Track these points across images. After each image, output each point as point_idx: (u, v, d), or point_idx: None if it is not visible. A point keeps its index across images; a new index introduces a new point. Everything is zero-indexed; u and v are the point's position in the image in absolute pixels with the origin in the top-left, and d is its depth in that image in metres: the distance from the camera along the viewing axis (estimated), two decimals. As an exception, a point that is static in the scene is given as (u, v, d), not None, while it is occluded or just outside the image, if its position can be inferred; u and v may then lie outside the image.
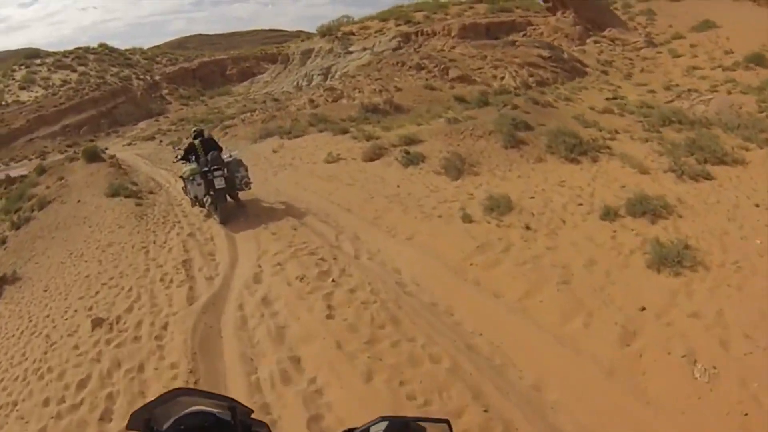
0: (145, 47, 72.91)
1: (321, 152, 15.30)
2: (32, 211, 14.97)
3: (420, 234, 8.51)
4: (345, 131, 17.72)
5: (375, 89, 28.60)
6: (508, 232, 8.05)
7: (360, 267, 7.45)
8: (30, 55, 59.30)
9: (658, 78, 28.16)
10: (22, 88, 52.04)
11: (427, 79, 31.17)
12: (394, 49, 41.47)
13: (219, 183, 10.09)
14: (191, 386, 4.02)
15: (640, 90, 25.40)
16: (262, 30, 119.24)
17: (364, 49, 44.65)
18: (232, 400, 1.35)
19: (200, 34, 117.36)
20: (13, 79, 54.23)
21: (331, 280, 7.00)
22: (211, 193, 10.28)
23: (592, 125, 15.03)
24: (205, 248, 9.26)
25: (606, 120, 16.35)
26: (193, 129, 11.80)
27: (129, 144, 34.78)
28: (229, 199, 10.63)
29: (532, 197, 9.43)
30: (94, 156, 19.38)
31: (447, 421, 1.41)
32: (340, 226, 9.28)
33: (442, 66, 33.11)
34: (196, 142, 10.76)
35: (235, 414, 1.33)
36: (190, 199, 11.10)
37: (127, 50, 67.81)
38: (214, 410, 1.34)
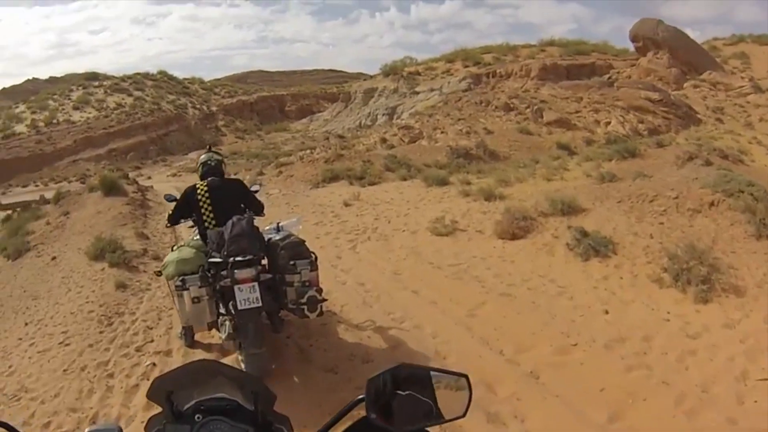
0: (206, 79, 72.06)
1: (418, 212, 10.26)
2: (7, 258, 10.91)
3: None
4: (444, 182, 12.77)
5: (461, 130, 23.95)
6: None
7: None
8: (90, 77, 58.66)
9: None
10: (75, 109, 51.27)
11: (518, 122, 26.60)
12: (464, 90, 39.10)
13: (246, 296, 4.23)
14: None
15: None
16: (322, 70, 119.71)
17: (432, 89, 42.79)
18: (257, 379, 1.34)
19: (261, 70, 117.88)
20: (69, 99, 53.37)
21: None
22: (229, 314, 4.53)
23: None
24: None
25: None
26: (202, 155, 5.63)
27: (174, 174, 31.76)
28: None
29: None
30: (113, 187, 15.09)
31: (466, 376, 1.31)
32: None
33: (535, 107, 28.31)
34: (201, 185, 5.18)
35: (258, 401, 1.29)
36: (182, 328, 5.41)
37: (185, 79, 67.57)
38: (237, 398, 1.31)
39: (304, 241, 4.92)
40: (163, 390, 1.28)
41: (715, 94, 33.71)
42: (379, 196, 12.63)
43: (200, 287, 4.53)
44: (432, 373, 1.29)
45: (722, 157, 11.71)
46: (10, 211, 20.39)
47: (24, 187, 36.42)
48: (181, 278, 4.59)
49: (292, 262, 4.59)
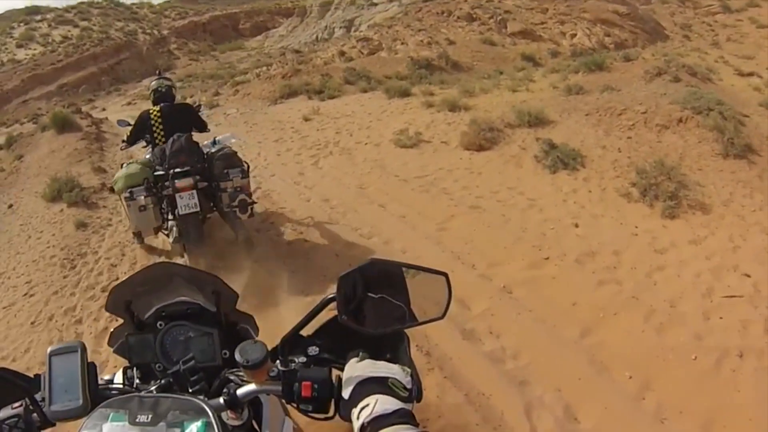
0: (155, 2, 67.91)
1: (381, 125, 9.88)
2: None
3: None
4: (406, 93, 12.32)
5: (421, 41, 23.12)
6: None
7: None
8: (31, 11, 54.32)
9: (750, 49, 22.72)
10: (19, 47, 47.20)
11: (481, 33, 25.80)
12: (424, 1, 37.01)
13: (185, 203, 4.75)
14: None
15: (749, 63, 19.65)
16: None
17: (390, 1, 41.05)
18: (216, 278, 1.29)
19: None
20: (11, 36, 49.24)
21: None
22: (173, 219, 5.08)
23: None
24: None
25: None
26: (153, 81, 6.00)
27: (129, 104, 30.52)
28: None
29: None
30: (65, 123, 14.16)
31: (445, 274, 1.22)
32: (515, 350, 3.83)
33: (498, 18, 27.47)
34: (154, 110, 5.60)
35: (220, 302, 1.28)
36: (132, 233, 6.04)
37: (133, 4, 63.51)
38: (199, 300, 1.29)
39: (236, 153, 5.34)
40: (121, 300, 1.26)
41: (683, 11, 33.46)
42: (340, 109, 12.13)
43: (146, 197, 4.83)
44: (407, 269, 1.19)
45: (691, 74, 11.42)
46: None
47: None
48: (129, 190, 4.87)
49: (225, 171, 5.02)
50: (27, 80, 40.61)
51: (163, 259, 5.84)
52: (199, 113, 6.04)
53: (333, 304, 1.14)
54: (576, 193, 6.22)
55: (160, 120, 5.49)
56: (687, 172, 6.29)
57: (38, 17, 53.04)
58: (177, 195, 4.72)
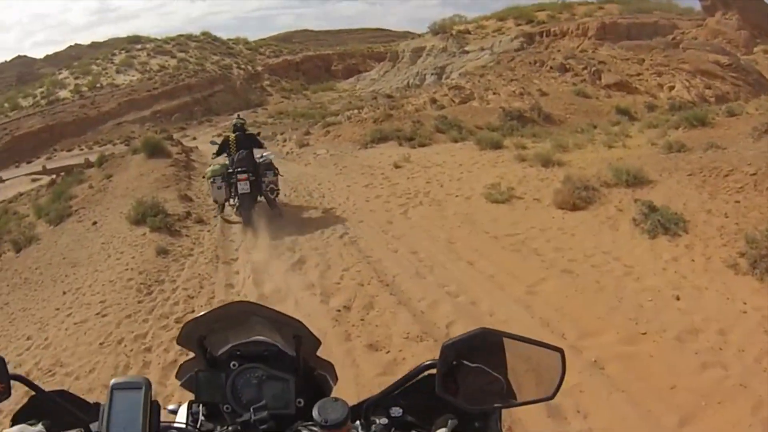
0: (251, 40, 71.80)
1: (472, 177, 9.87)
2: (49, 224, 10.77)
3: None
4: (498, 145, 12.26)
5: (514, 91, 23.07)
6: None
7: None
8: (132, 41, 58.83)
9: None
10: (118, 72, 51.42)
11: (575, 84, 25.45)
12: (516, 50, 37.84)
13: (242, 187, 8.61)
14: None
15: None
16: (368, 29, 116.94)
17: (482, 48, 41.61)
18: (299, 322, 1.22)
19: (306, 30, 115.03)
20: (112, 63, 53.67)
21: None
22: (236, 196, 8.90)
23: None
24: None
25: None
26: (234, 121, 9.94)
27: (219, 134, 31.53)
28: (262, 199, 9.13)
29: None
30: (156, 149, 15.02)
31: (561, 351, 1.08)
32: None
33: (593, 69, 27.03)
34: (232, 136, 9.39)
35: (300, 346, 1.22)
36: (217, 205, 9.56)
37: (230, 39, 66.89)
38: (277, 342, 1.25)
39: (272, 162, 9.20)
40: (195, 334, 1.22)
41: None
42: (431, 158, 12.25)
43: (222, 181, 8.86)
44: (516, 341, 1.09)
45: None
46: (54, 176, 20.39)
47: (69, 151, 36.67)
48: (213, 178, 8.94)
49: (264, 171, 8.91)
50: (123, 104, 43.69)
51: (233, 222, 9.04)
52: (258, 137, 9.79)
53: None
54: (677, 262, 5.88)
55: (235, 142, 9.18)
56: (803, 243, 5.82)
57: (139, 46, 57.08)
58: (238, 182, 8.59)
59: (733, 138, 11.02)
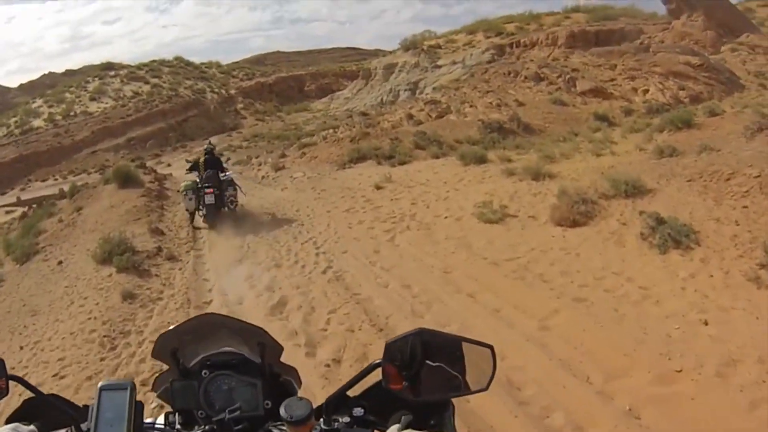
0: (223, 63, 71.42)
1: (459, 195, 9.33)
2: (15, 262, 9.97)
3: None
4: (482, 159, 11.79)
5: (491, 103, 22.74)
6: None
7: None
8: (105, 67, 57.68)
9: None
10: (92, 100, 50.38)
11: (550, 93, 25.27)
12: (489, 62, 37.83)
13: (208, 199, 10.40)
14: None
15: None
16: (340, 48, 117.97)
17: (454, 62, 41.73)
18: (262, 330, 1.33)
19: (278, 51, 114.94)
20: (86, 90, 52.58)
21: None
22: (203, 206, 10.56)
23: None
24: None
25: None
26: (206, 146, 11.93)
27: (192, 168, 30.81)
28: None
29: None
30: (128, 178, 14.27)
31: (491, 347, 1.19)
32: None
33: (567, 77, 26.88)
34: (202, 158, 11.21)
35: (264, 352, 1.32)
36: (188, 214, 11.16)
37: (203, 64, 66.42)
38: (244, 351, 1.34)
39: (233, 179, 10.85)
40: (168, 347, 1.31)
41: (754, 57, 31.84)
42: (413, 176, 11.70)
43: (192, 194, 10.46)
44: (452, 340, 1.17)
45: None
46: (26, 208, 19.48)
47: (43, 181, 35.54)
48: (185, 191, 10.53)
49: (226, 187, 10.54)
50: (97, 132, 42.79)
51: (201, 229, 10.52)
52: (221, 161, 11.63)
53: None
54: (695, 279, 5.36)
55: (204, 163, 10.96)
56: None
57: (112, 73, 56.01)
58: (205, 195, 10.34)
59: (724, 138, 10.72)
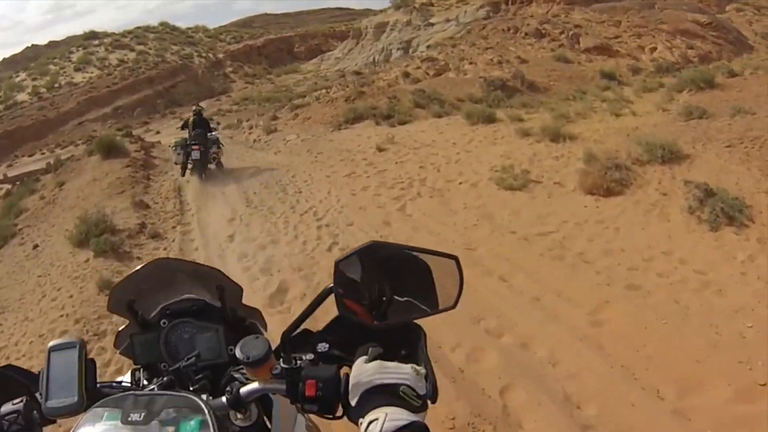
0: (210, 27, 70.19)
1: (472, 157, 8.52)
2: None
3: None
4: (491, 119, 10.93)
5: (491, 60, 21.80)
6: None
7: None
8: (89, 37, 56.18)
9: None
10: (77, 70, 49.02)
11: (553, 49, 24.30)
12: (484, 19, 36.84)
13: (194, 155, 11.31)
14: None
15: None
16: (328, 8, 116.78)
17: (448, 20, 41.03)
18: (218, 271, 1.30)
19: (266, 14, 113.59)
20: (70, 61, 51.21)
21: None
22: (191, 161, 11.46)
23: None
24: None
25: None
26: (195, 108, 12.71)
27: (183, 126, 30.01)
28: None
29: None
30: (112, 148, 13.51)
31: (456, 258, 1.11)
32: None
33: (570, 33, 25.87)
34: (192, 118, 12.11)
35: (224, 296, 1.28)
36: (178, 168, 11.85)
37: (189, 29, 65.26)
38: (204, 296, 1.30)
39: (218, 138, 12.13)
40: (124, 299, 1.25)
41: (760, 18, 31.49)
42: (417, 137, 10.85)
43: (181, 148, 11.60)
44: (414, 253, 1.08)
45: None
46: (13, 184, 18.42)
47: (30, 156, 34.20)
48: (175, 146, 11.78)
49: (211, 145, 11.66)
50: (83, 102, 41.90)
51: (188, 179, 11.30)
52: (210, 122, 12.64)
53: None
54: (755, 263, 4.62)
55: (193, 122, 11.86)
56: None
57: (96, 41, 54.86)
58: (192, 151, 11.27)
59: (755, 101, 9.96)
